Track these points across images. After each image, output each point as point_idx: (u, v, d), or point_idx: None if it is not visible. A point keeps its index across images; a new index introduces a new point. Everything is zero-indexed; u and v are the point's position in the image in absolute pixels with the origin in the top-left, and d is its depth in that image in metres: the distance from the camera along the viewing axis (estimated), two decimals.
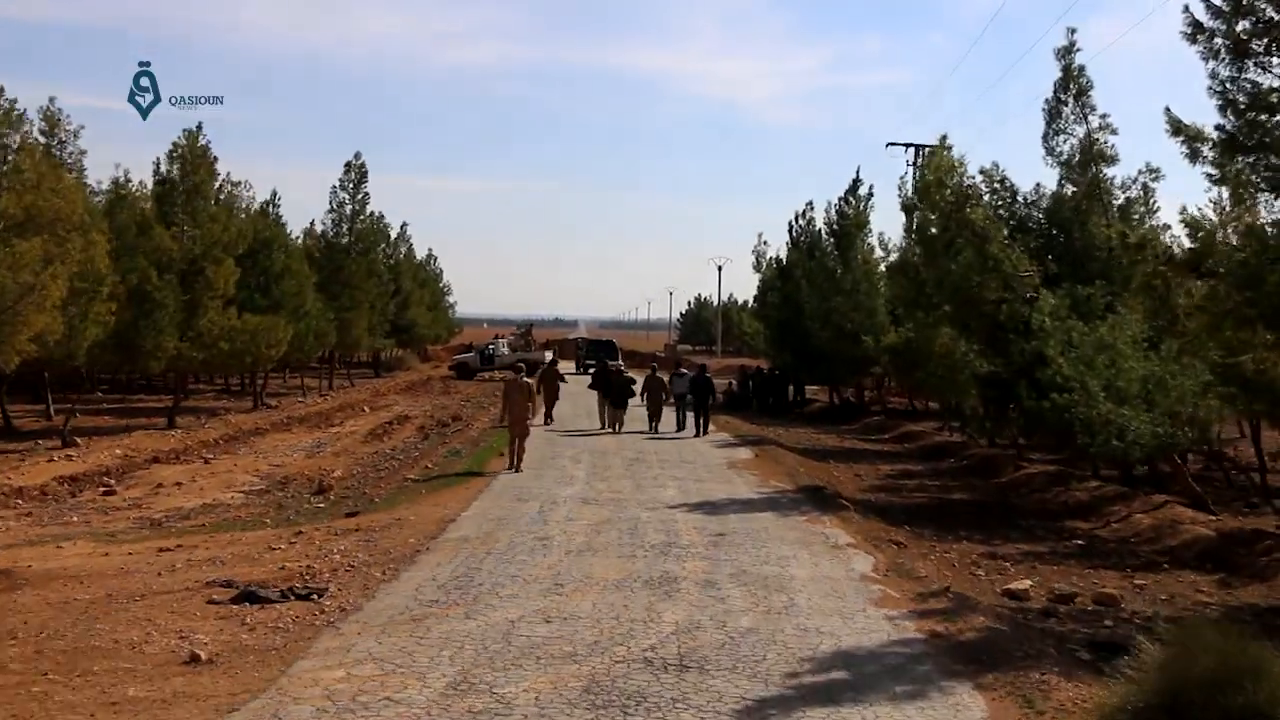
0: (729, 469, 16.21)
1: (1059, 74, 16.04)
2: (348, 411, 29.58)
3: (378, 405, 31.76)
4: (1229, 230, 11.03)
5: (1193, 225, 10.82)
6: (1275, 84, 8.97)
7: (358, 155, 39.58)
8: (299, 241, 39.46)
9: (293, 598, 7.93)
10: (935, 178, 15.88)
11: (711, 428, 21.93)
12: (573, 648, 6.52)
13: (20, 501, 14.33)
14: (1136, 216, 16.09)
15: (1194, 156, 9.73)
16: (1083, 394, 12.24)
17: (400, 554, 9.38)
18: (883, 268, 28.00)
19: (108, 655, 6.47)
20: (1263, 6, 8.91)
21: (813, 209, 33.97)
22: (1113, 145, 15.94)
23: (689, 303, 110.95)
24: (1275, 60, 9.00)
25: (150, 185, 27.38)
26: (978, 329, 15.41)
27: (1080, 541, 12.18)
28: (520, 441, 15.13)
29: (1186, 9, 9.30)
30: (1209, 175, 9.96)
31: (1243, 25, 9.15)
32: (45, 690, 5.78)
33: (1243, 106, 9.23)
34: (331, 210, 39.45)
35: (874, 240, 29.00)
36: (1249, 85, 9.20)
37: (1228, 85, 9.32)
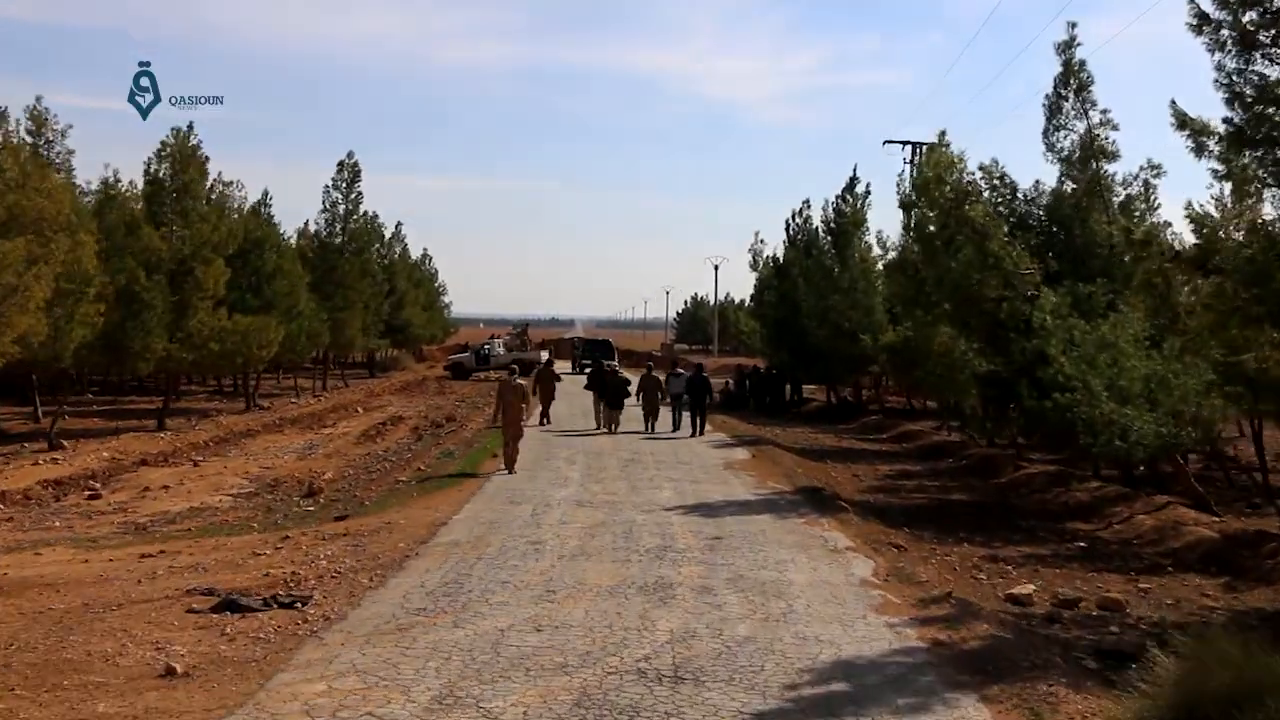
0: (726, 470, 15.99)
1: (1059, 69, 15.86)
2: (341, 412, 29.34)
3: (371, 406, 31.52)
4: (1231, 227, 10.85)
5: (1198, 221, 10.60)
6: None
7: (350, 154, 39.42)
8: (293, 241, 39.20)
9: (276, 606, 7.68)
10: (934, 174, 15.67)
11: (708, 428, 21.72)
12: (564, 658, 6.29)
13: (2, 506, 14.06)
14: (1137, 213, 15.89)
15: (1199, 151, 9.53)
16: (1085, 393, 12.04)
17: (389, 559, 9.15)
18: (880, 266, 27.81)
19: (79, 669, 6.22)
20: None
21: (810, 207, 33.86)
22: (1113, 141, 15.78)
23: (686, 302, 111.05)
24: None
25: (141, 185, 27.13)
26: (978, 327, 15.21)
27: (1082, 543, 11.97)
28: (514, 443, 14.91)
29: (1192, 0, 9.10)
30: (1214, 171, 9.78)
31: (1250, 16, 8.94)
32: (10, 707, 5.53)
33: (1250, 99, 9.02)
34: (325, 210, 39.27)
35: (872, 239, 28.85)
36: (1256, 78, 8.99)
37: (1234, 78, 9.11)
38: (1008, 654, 6.70)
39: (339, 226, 39.23)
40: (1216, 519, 12.37)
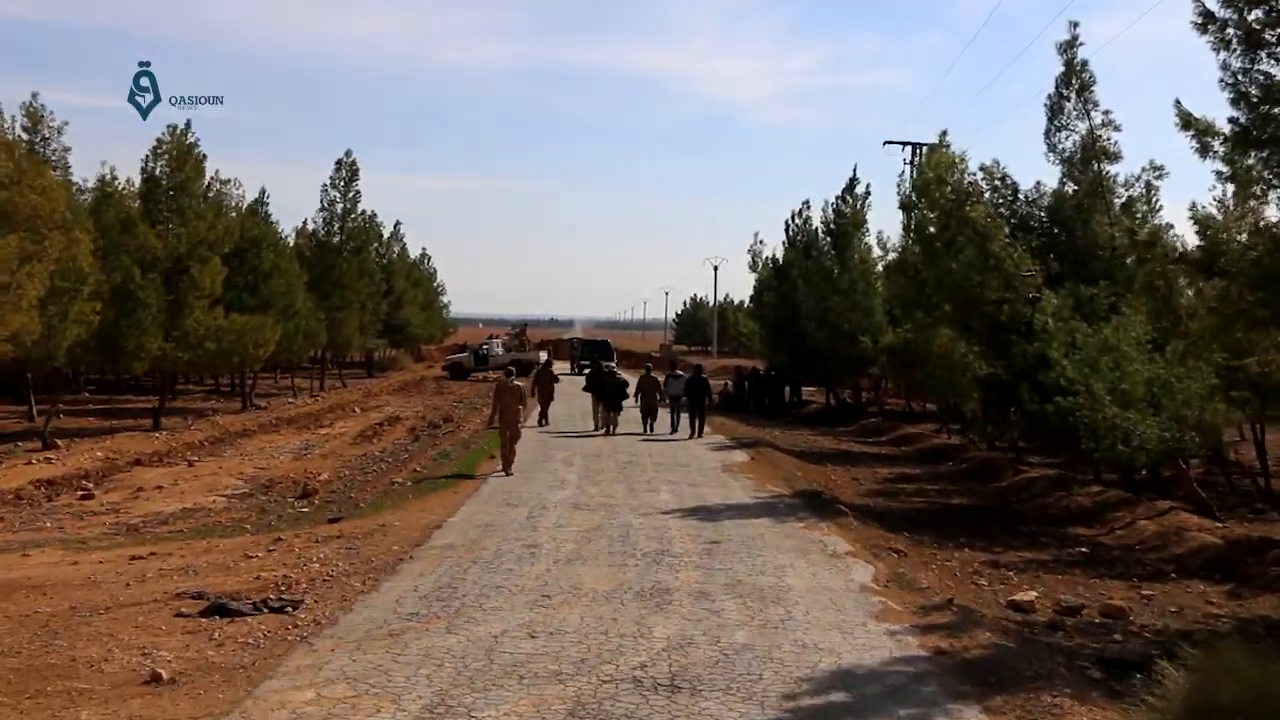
0: (724, 472, 15.87)
1: (1061, 69, 15.73)
2: (338, 412, 29.20)
3: (369, 406, 31.38)
4: (1234, 229, 10.74)
5: (1202, 223, 10.50)
6: None
7: (348, 153, 39.28)
8: (291, 240, 39.07)
9: (266, 610, 7.55)
10: (936, 175, 15.56)
11: (707, 429, 21.60)
12: (558, 666, 6.17)
13: None
14: (1139, 215, 15.77)
15: (1204, 151, 9.42)
16: (1087, 397, 11.92)
17: (382, 563, 9.02)
18: (880, 267, 27.71)
19: (63, 674, 6.09)
20: None
21: (809, 208, 33.76)
22: (1115, 142, 15.65)
23: (685, 303, 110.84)
24: None
25: (138, 183, 26.97)
26: (978, 329, 15.11)
27: (1084, 549, 11.84)
28: (511, 444, 14.78)
29: None
30: (1219, 173, 9.67)
31: (1256, 14, 8.83)
32: None
33: (1256, 99, 8.91)
34: (323, 209, 39.13)
35: (871, 240, 28.76)
36: (1262, 77, 8.88)
37: (1239, 77, 9.00)
38: (1010, 663, 6.57)
39: (337, 225, 39.10)
40: (1219, 525, 12.25)
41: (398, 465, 16.82)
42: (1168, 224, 15.21)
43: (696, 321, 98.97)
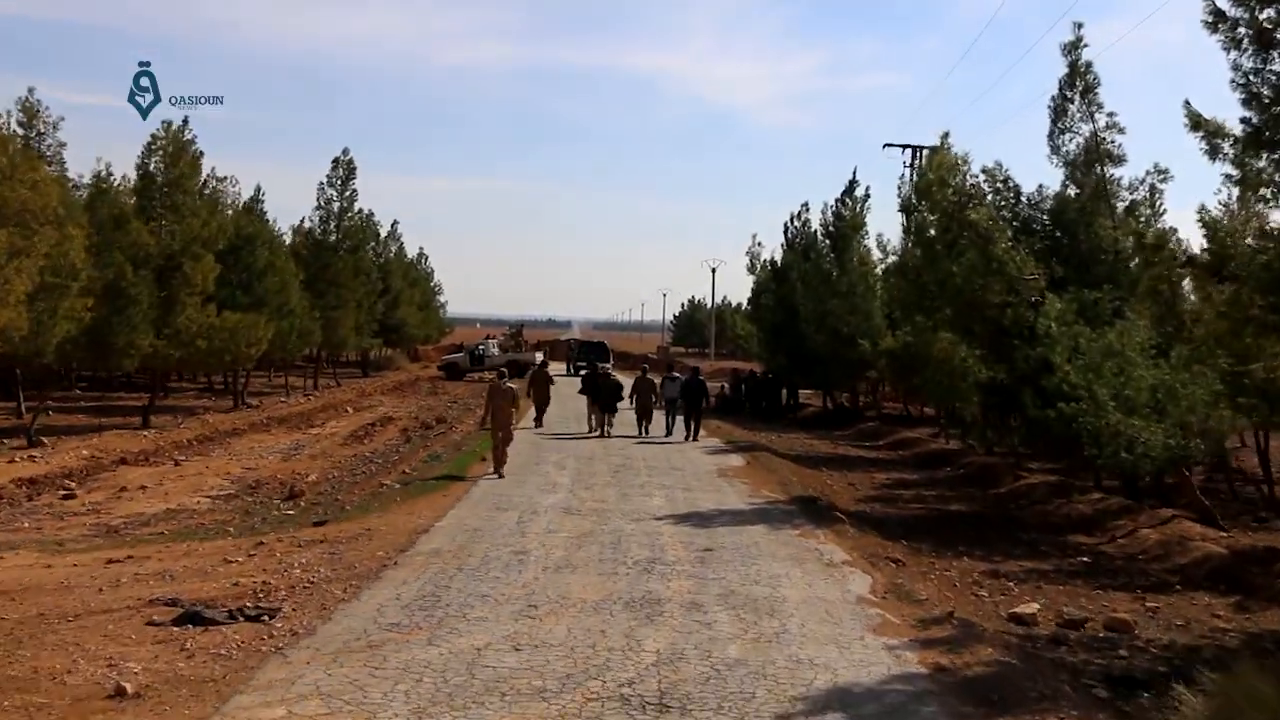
0: (719, 477, 15.60)
1: (1065, 71, 15.49)
2: (330, 412, 28.91)
3: (362, 406, 31.09)
4: (1240, 233, 10.51)
5: (1210, 226, 10.26)
6: None
7: (345, 151, 39.00)
8: (287, 239, 38.80)
9: (241, 619, 7.28)
10: (937, 177, 15.32)
11: (702, 433, 21.34)
12: (543, 681, 5.90)
13: None
14: (1143, 219, 15.53)
15: (1214, 153, 9.18)
16: (1090, 403, 11.68)
17: (365, 569, 8.74)
18: (879, 270, 27.47)
19: (23, 687, 5.81)
20: None
21: (809, 210, 33.54)
22: (1119, 145, 15.41)
23: (683, 305, 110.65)
24: None
25: (134, 179, 26.69)
26: (980, 333, 14.86)
27: (1085, 558, 11.60)
28: (503, 446, 14.52)
29: None
30: (1228, 175, 9.43)
31: (1268, 13, 8.59)
32: None
33: (1267, 100, 8.68)
34: (319, 207, 38.84)
35: (871, 242, 28.50)
36: (1274, 77, 8.65)
37: (1251, 78, 8.77)
38: (1014, 681, 6.31)
39: (333, 224, 38.81)
40: (1224, 534, 12.01)
41: (387, 467, 16.55)
42: (1172, 228, 15.03)
43: (694, 323, 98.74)
